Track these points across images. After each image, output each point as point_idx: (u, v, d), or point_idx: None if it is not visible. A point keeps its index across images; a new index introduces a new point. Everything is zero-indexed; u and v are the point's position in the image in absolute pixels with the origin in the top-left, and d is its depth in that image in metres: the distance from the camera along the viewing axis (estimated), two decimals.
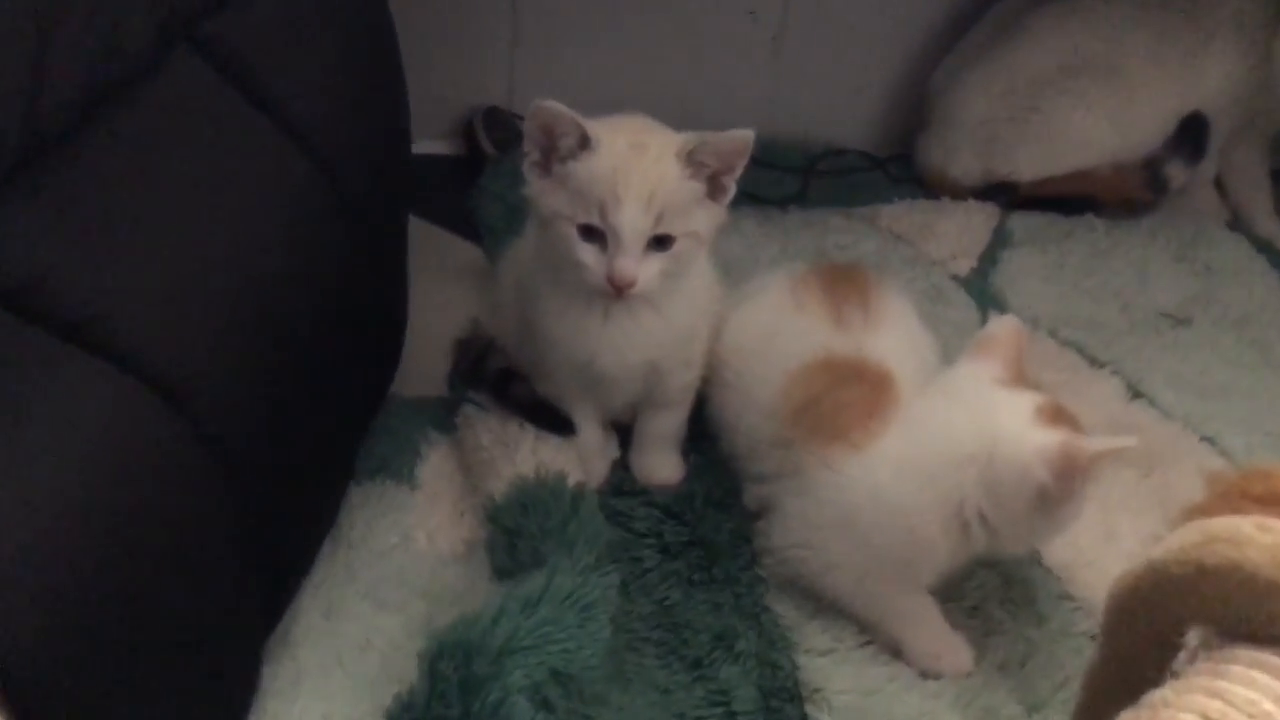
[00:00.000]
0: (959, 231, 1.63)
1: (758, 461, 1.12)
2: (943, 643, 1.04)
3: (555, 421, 1.14)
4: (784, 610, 1.07)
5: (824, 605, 1.07)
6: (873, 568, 1.02)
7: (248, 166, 0.96)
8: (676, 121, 1.76)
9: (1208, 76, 1.66)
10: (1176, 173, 1.67)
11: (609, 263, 1.01)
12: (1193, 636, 0.72)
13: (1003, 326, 1.06)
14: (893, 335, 1.12)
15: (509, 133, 1.70)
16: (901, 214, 1.65)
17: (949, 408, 1.01)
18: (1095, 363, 1.42)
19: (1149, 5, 1.64)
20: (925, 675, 1.03)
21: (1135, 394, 1.38)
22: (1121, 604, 0.78)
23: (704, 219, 1.05)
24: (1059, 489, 0.95)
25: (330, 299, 1.02)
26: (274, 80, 0.99)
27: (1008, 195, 1.69)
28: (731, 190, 1.06)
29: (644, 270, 1.01)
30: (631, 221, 0.99)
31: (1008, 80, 1.65)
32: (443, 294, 1.38)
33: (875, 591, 1.03)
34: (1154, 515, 1.20)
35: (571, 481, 1.11)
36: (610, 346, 1.09)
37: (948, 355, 1.34)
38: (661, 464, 1.19)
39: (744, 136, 1.02)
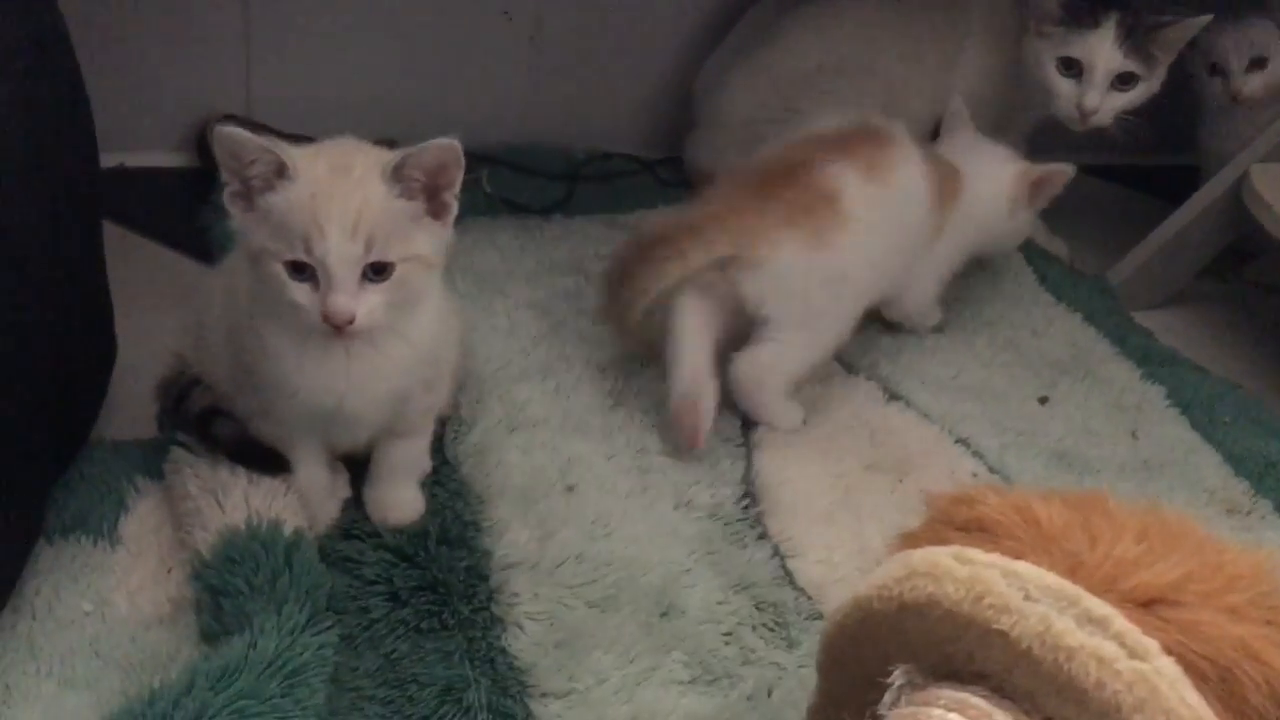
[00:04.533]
0: None
1: None
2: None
3: (267, 461, 1.04)
4: (520, 649, 1.00)
5: (563, 640, 1.01)
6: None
7: None
8: (433, 126, 1.67)
9: (964, 76, 1.67)
10: None
11: (322, 300, 0.92)
12: (898, 675, 0.69)
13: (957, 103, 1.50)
14: None
15: None
16: None
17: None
18: (852, 368, 1.40)
19: (904, 6, 1.64)
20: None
21: (892, 396, 1.37)
22: (831, 642, 0.74)
23: (426, 240, 0.96)
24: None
25: None
26: None
27: None
28: (453, 206, 0.98)
29: (362, 304, 0.93)
30: (338, 252, 0.91)
31: (769, 81, 1.63)
32: (160, 321, 1.26)
33: None
34: (907, 525, 1.18)
35: (288, 530, 1.01)
36: (358, 385, 1.00)
37: None
38: (399, 501, 1.11)
39: (448, 146, 0.94)
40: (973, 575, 0.65)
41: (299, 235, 0.91)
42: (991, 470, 1.28)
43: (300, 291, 0.93)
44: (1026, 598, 0.64)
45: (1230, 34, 1.65)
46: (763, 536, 1.16)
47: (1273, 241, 1.54)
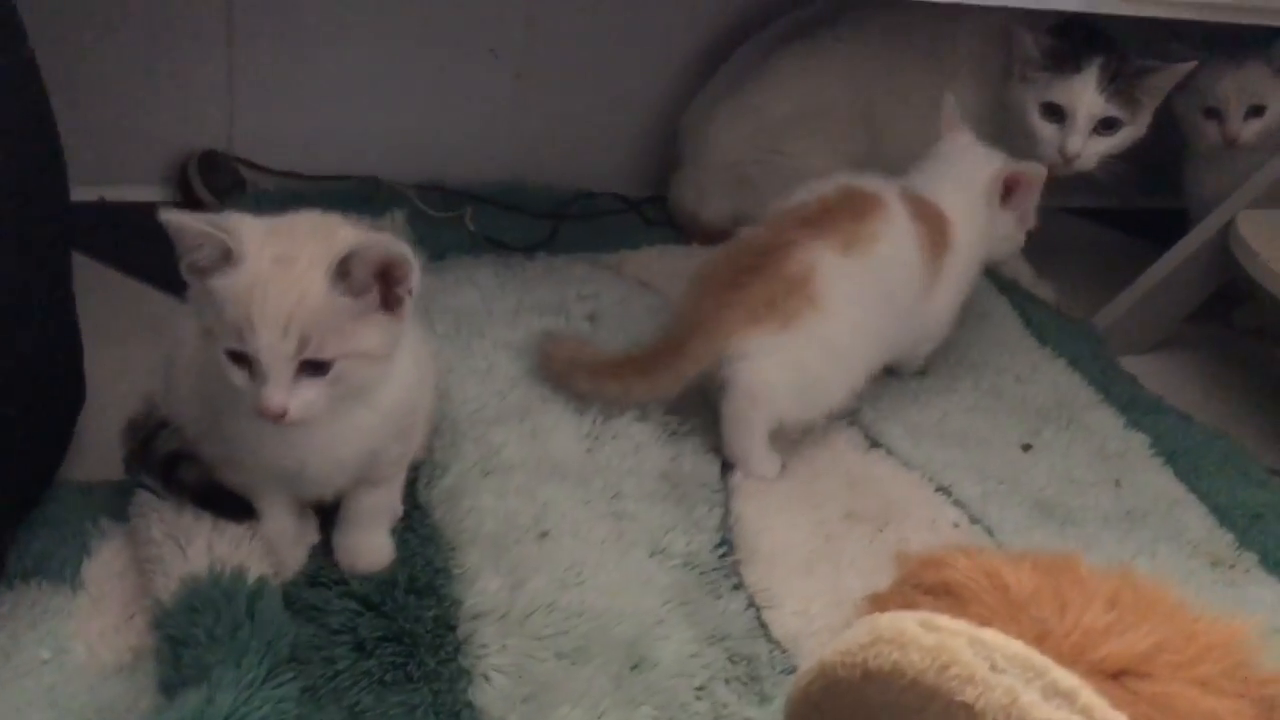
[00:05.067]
0: None
1: None
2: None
3: (233, 507, 1.03)
4: (487, 703, 0.98)
5: (531, 694, 0.99)
6: None
7: None
8: (419, 166, 1.68)
9: None
10: None
11: (255, 392, 0.89)
12: None
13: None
14: None
15: (228, 179, 1.58)
16: (649, 260, 1.61)
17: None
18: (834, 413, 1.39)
19: (890, 47, 1.65)
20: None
21: (873, 443, 1.36)
22: (795, 709, 0.72)
23: (371, 336, 0.92)
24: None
25: None
26: None
27: None
28: (407, 300, 0.94)
29: (296, 400, 0.89)
30: (269, 349, 0.87)
31: (754, 122, 1.63)
32: (133, 359, 1.24)
33: None
34: (886, 575, 1.16)
35: (252, 578, 0.99)
36: (320, 451, 0.98)
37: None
38: (368, 548, 1.09)
39: (396, 247, 0.90)
40: (939, 643, 0.64)
41: (235, 325, 0.88)
42: (973, 520, 1.27)
43: (239, 377, 0.90)
44: (993, 668, 0.62)
45: (1230, 79, 1.64)
46: (738, 586, 1.14)
47: (1259, 287, 1.53)
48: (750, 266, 1.27)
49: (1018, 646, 0.63)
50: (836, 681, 0.68)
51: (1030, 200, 1.41)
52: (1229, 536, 1.27)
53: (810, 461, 1.32)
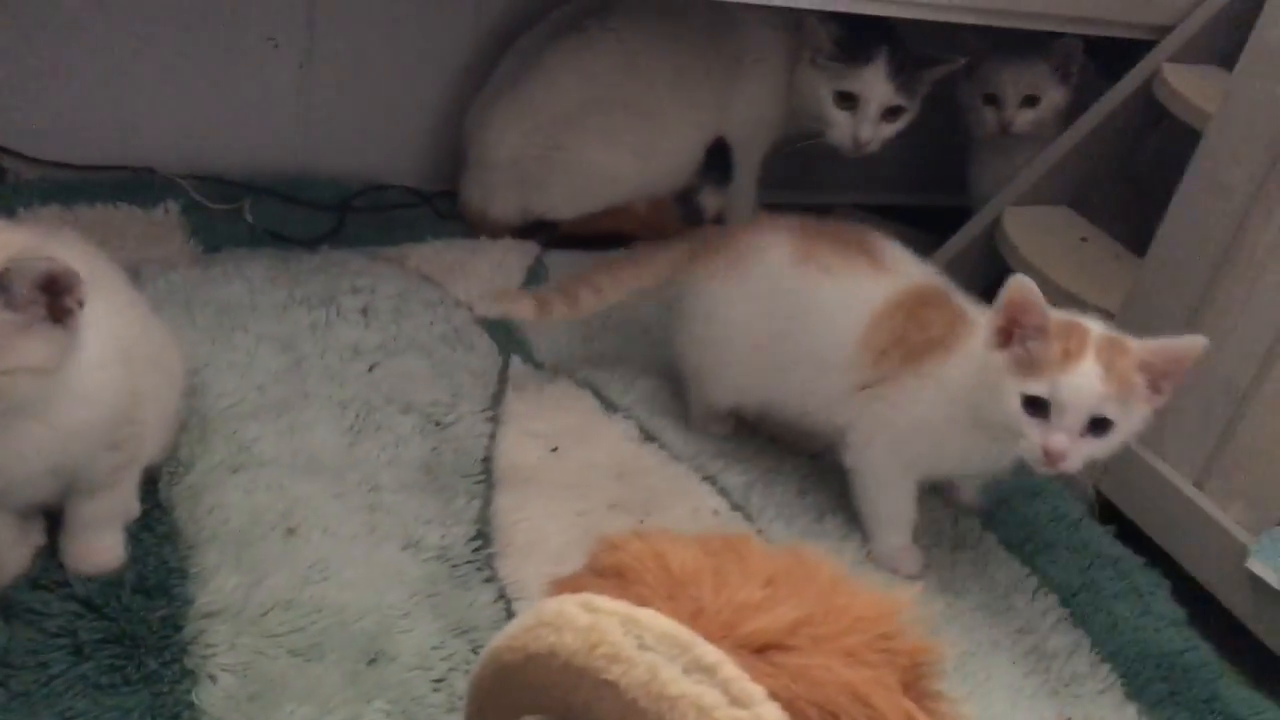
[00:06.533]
0: (492, 271, 1.59)
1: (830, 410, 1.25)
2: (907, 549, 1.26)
3: None
4: (210, 703, 0.96)
5: (258, 693, 0.97)
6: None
7: None
8: (197, 157, 1.63)
9: (736, 105, 1.70)
10: (710, 200, 1.70)
11: None
12: None
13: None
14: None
15: None
16: (434, 254, 1.59)
17: None
18: (610, 406, 1.40)
19: (668, 39, 1.66)
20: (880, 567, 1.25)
21: (647, 436, 1.37)
22: (473, 695, 0.72)
23: (35, 350, 0.87)
24: None
25: None
26: None
27: (548, 233, 1.67)
28: (77, 311, 0.89)
29: None
30: None
31: (532, 118, 1.62)
32: None
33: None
34: None
35: None
36: None
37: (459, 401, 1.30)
38: (94, 548, 1.05)
39: (58, 264, 0.86)
40: (592, 624, 0.64)
41: None
42: (734, 507, 1.29)
43: None
44: (640, 646, 0.63)
45: (1009, 69, 1.73)
46: (490, 579, 1.14)
47: None
48: None
49: (667, 624, 0.64)
50: (504, 666, 0.68)
51: None
52: (973, 521, 1.33)
53: (582, 453, 1.33)
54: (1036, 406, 1.07)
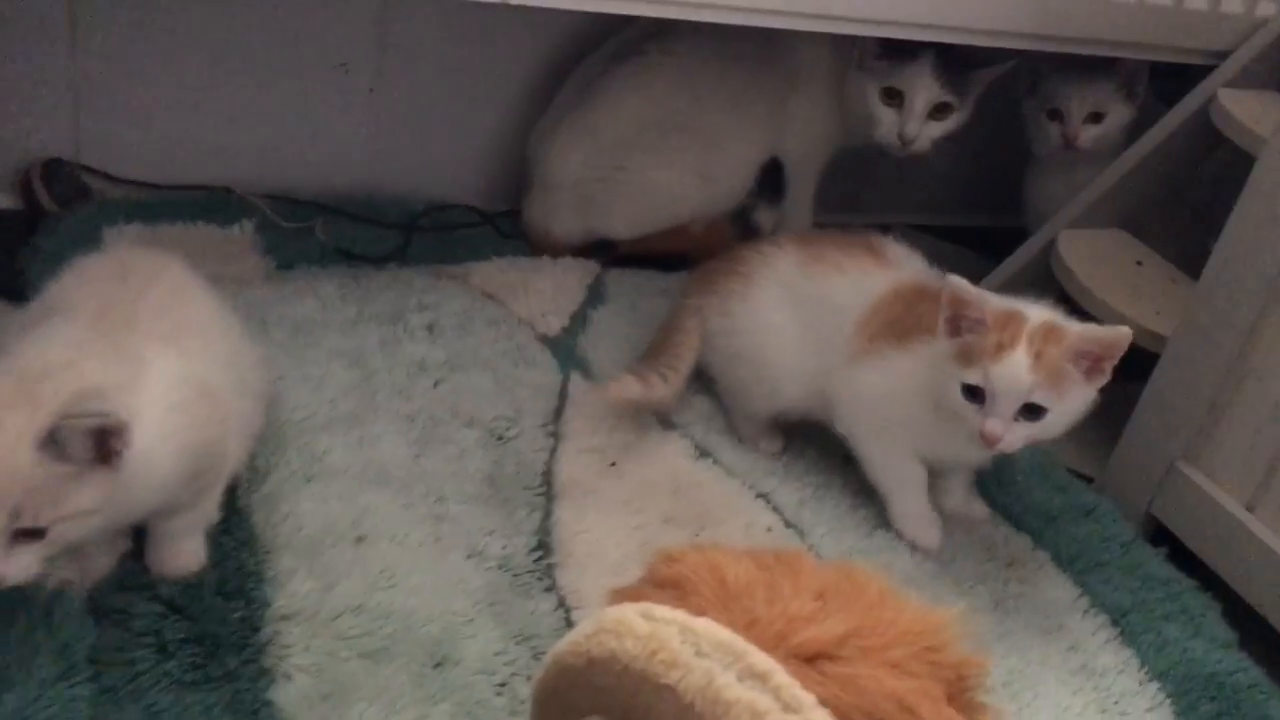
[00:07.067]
0: (554, 289, 1.63)
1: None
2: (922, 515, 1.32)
3: None
4: (286, 702, 1.01)
5: (330, 693, 1.02)
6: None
7: None
8: (272, 177, 1.70)
9: (791, 122, 1.73)
10: (764, 218, 1.74)
11: None
12: None
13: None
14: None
15: (72, 187, 1.58)
16: (496, 271, 1.64)
17: None
18: (667, 423, 1.44)
19: (725, 61, 1.69)
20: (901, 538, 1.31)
21: (702, 453, 1.41)
22: (536, 697, 0.76)
23: (88, 494, 0.90)
24: None
25: None
26: None
27: (609, 253, 1.71)
28: (124, 454, 0.92)
29: (13, 565, 0.89)
30: None
31: (594, 141, 1.66)
32: None
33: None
34: None
35: (53, 582, 1.01)
36: None
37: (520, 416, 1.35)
38: (177, 552, 1.10)
39: (108, 417, 0.89)
40: (651, 631, 0.68)
41: None
42: (788, 524, 1.32)
43: None
44: (697, 653, 0.67)
45: (1075, 85, 1.74)
46: (550, 588, 1.18)
47: (1075, 303, 1.61)
48: None
49: (723, 634, 0.67)
50: (567, 669, 0.72)
51: None
52: (1025, 539, 1.35)
53: (639, 468, 1.37)
54: (975, 394, 1.18)
